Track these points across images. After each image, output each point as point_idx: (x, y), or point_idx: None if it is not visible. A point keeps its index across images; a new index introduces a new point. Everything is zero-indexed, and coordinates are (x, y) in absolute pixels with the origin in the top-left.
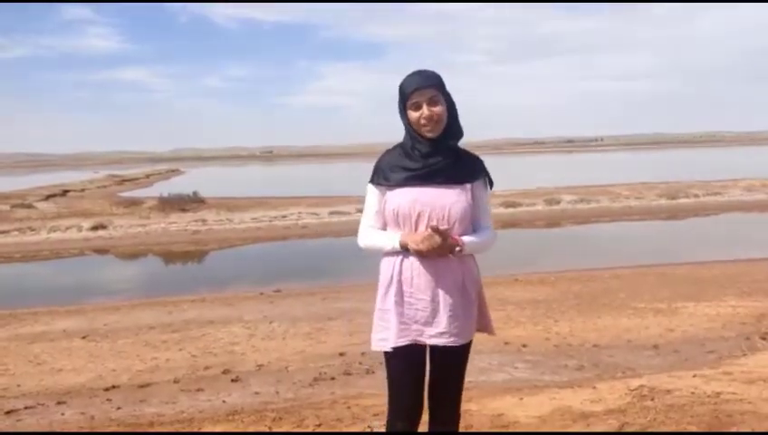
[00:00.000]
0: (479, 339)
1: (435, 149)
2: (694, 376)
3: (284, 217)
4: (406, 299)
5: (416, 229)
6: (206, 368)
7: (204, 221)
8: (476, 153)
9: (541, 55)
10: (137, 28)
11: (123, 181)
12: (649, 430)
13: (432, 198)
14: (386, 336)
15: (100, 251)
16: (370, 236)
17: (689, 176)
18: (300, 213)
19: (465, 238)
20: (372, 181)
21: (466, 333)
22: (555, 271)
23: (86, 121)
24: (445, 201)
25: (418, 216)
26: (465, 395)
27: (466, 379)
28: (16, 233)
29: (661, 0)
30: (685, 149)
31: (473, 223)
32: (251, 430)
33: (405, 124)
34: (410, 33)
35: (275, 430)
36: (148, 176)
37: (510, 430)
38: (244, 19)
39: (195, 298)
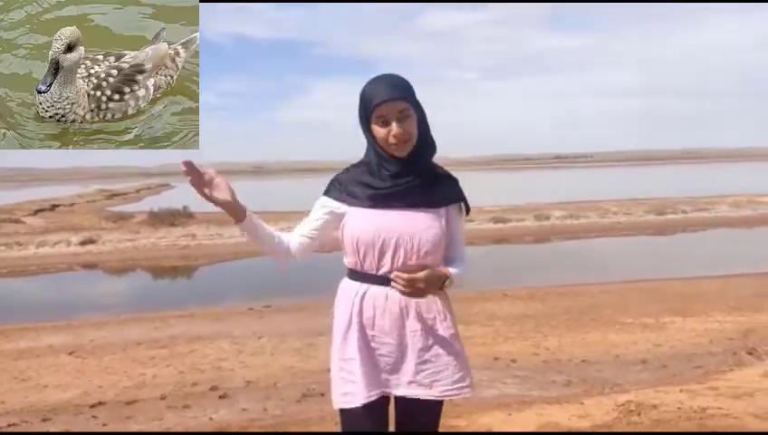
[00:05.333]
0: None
1: (406, 170)
2: (680, 391)
3: None
4: (370, 344)
5: (379, 260)
6: (194, 384)
7: (193, 236)
8: (451, 171)
9: (529, 73)
10: None
11: (113, 196)
12: None
13: (400, 224)
14: (352, 390)
15: (89, 266)
16: (280, 233)
17: (677, 192)
18: (290, 227)
19: (452, 271)
20: (329, 193)
21: (440, 387)
22: (544, 286)
23: None
24: (415, 228)
25: (383, 244)
26: (453, 411)
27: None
28: (3, 248)
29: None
30: (673, 165)
31: (444, 254)
32: None
33: (368, 139)
34: (399, 50)
35: None
36: (137, 190)
37: None
38: (237, 35)
39: (183, 313)
